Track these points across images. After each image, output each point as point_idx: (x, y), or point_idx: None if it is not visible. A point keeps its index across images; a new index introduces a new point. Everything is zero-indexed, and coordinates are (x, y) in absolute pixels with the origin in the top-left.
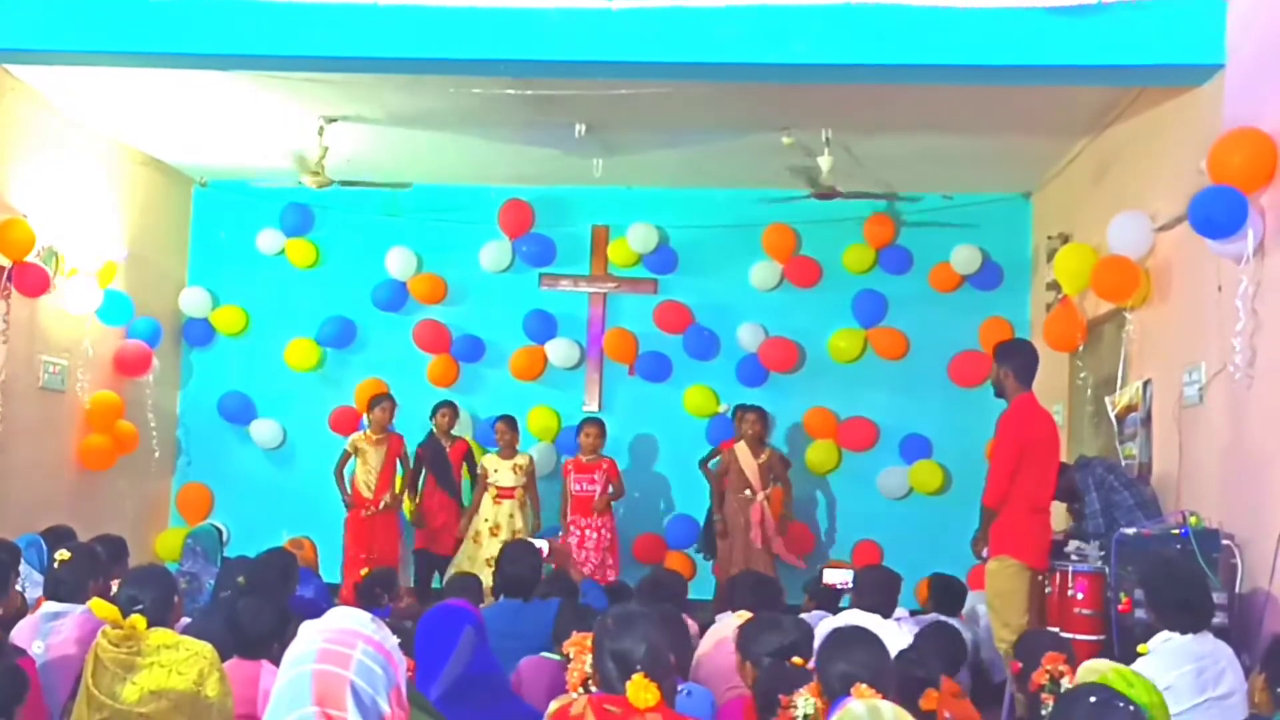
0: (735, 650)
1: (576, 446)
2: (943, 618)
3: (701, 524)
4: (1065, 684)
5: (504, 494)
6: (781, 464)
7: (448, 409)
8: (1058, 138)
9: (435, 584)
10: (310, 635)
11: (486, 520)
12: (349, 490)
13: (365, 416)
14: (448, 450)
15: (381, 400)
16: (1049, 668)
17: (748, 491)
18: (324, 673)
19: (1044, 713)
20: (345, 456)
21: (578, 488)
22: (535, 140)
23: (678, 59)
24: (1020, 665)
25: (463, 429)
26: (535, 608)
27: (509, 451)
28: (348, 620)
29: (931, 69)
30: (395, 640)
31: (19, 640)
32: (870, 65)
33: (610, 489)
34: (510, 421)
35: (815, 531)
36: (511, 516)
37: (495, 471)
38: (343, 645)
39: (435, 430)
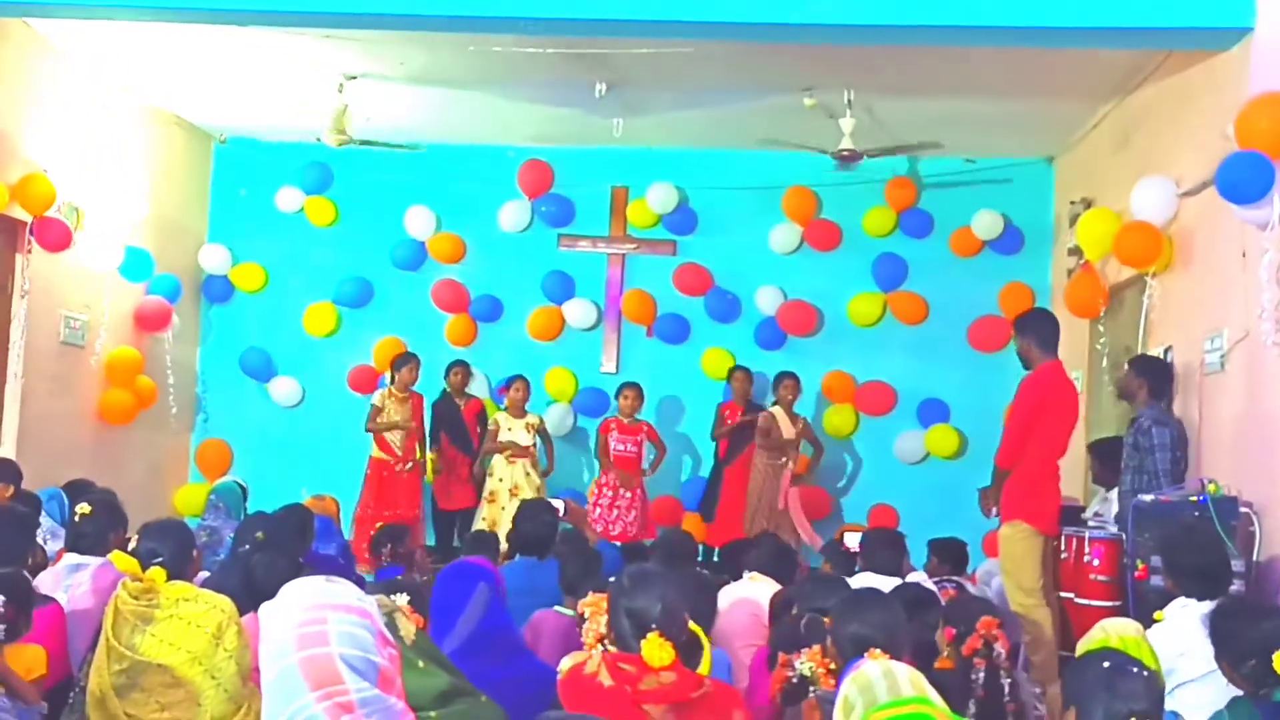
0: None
1: (596, 408)
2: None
3: (706, 487)
4: (998, 649)
5: (518, 453)
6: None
7: (461, 368)
8: (1082, 101)
9: (455, 542)
10: (278, 625)
11: (502, 480)
12: (388, 442)
13: (389, 375)
14: (462, 409)
15: (409, 360)
16: (983, 633)
17: (784, 459)
18: (308, 659)
19: (974, 678)
20: (375, 411)
21: (621, 448)
22: (555, 99)
23: (700, 18)
24: (954, 631)
25: (479, 389)
26: (550, 566)
27: (519, 410)
28: (305, 596)
29: (955, 30)
30: (355, 589)
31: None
32: (893, 26)
33: (655, 450)
34: (527, 382)
35: (833, 495)
36: (528, 475)
37: (509, 430)
38: (314, 624)
39: (449, 389)
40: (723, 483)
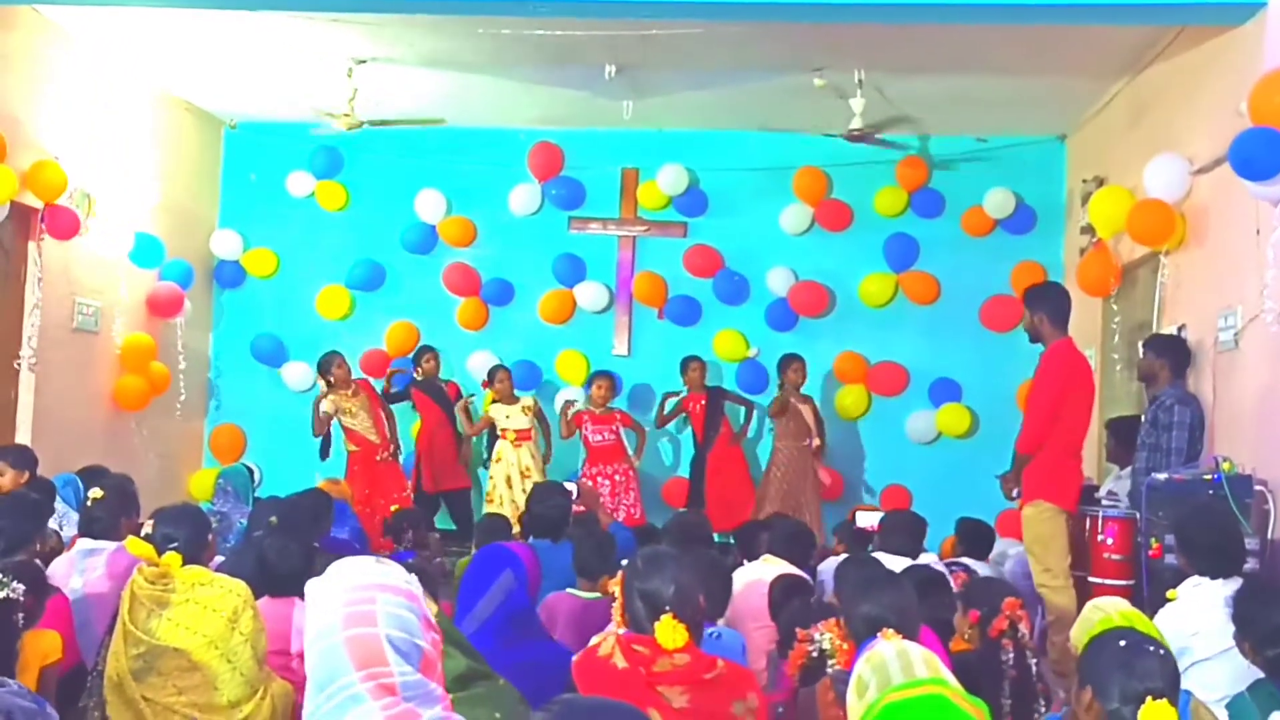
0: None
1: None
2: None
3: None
4: (1023, 629)
5: (522, 437)
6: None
7: (434, 354)
8: (1094, 79)
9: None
10: (326, 603)
11: (512, 464)
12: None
13: (323, 380)
14: (445, 389)
15: (335, 357)
16: (1008, 614)
17: (807, 440)
18: (354, 638)
19: (1004, 659)
20: (326, 418)
21: (598, 438)
22: (565, 82)
23: None
24: (978, 614)
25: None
26: (564, 548)
27: (510, 397)
28: (355, 575)
29: (967, 8)
30: (403, 571)
31: (56, 577)
32: (904, 4)
33: (635, 435)
34: (508, 371)
35: (846, 476)
36: (534, 458)
37: (507, 418)
38: (362, 604)
39: (426, 375)
40: (707, 469)
